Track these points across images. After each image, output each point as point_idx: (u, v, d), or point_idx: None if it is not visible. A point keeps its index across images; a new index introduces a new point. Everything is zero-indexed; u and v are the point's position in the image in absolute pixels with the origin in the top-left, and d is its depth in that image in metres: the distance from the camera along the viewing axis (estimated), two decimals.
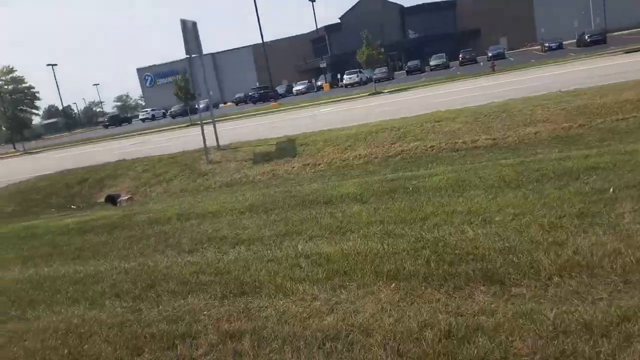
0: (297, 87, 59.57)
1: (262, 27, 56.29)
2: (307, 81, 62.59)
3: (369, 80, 47.34)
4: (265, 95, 52.96)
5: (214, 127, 14.56)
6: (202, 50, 14.44)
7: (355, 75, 50.89)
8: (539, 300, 3.30)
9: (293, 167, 11.66)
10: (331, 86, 57.84)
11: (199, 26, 14.09)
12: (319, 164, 11.52)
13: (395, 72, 59.73)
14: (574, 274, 3.53)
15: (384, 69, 51.53)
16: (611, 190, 5.00)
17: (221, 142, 15.21)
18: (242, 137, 16.47)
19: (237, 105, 60.55)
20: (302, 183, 9.74)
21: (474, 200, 5.68)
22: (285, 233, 5.88)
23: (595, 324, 2.88)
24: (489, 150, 9.55)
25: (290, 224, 6.24)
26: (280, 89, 62.60)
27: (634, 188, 4.91)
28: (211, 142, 14.47)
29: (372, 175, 9.23)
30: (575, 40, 45.61)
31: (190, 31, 13.71)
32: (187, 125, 32.12)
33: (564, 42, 45.95)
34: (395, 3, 73.17)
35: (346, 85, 51.63)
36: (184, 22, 13.35)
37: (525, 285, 3.53)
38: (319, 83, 61.19)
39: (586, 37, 41.32)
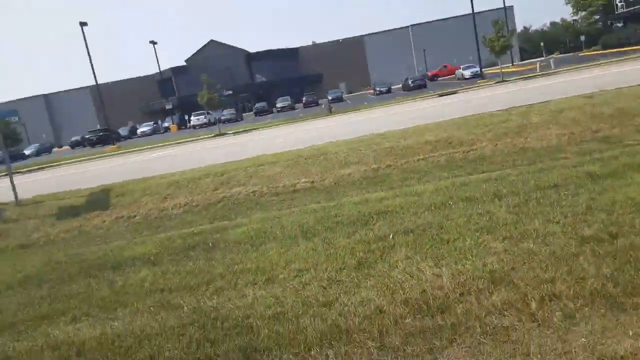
0: (142, 129, 56.49)
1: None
2: (153, 122, 59.69)
3: (219, 120, 46.88)
4: (105, 138, 48.90)
5: (11, 179, 12.53)
6: None
7: (203, 116, 49.97)
8: None
9: (104, 222, 10.36)
10: (179, 127, 55.97)
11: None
12: (135, 216, 10.42)
13: (245, 114, 60.08)
14: (333, 342, 3.24)
15: (232, 111, 51.64)
16: (391, 236, 5.01)
17: (27, 195, 13.16)
18: (53, 188, 14.47)
19: (73, 148, 54.95)
20: (107, 241, 8.62)
21: (267, 255, 5.33)
22: (47, 314, 4.88)
23: None
24: (307, 193, 9.50)
25: (58, 300, 5.24)
26: (124, 131, 58.70)
27: (411, 233, 4.97)
28: (11, 196, 12.45)
29: (186, 226, 8.51)
30: (401, 85, 50.76)
31: None
32: (5, 174, 27.79)
33: (392, 87, 50.91)
34: (241, 49, 74.50)
35: (194, 127, 50.37)
36: None
37: None
38: (165, 124, 58.79)
39: (410, 82, 46.17)
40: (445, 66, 60.67)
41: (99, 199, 11.77)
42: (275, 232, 6.25)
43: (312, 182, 10.05)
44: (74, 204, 11.80)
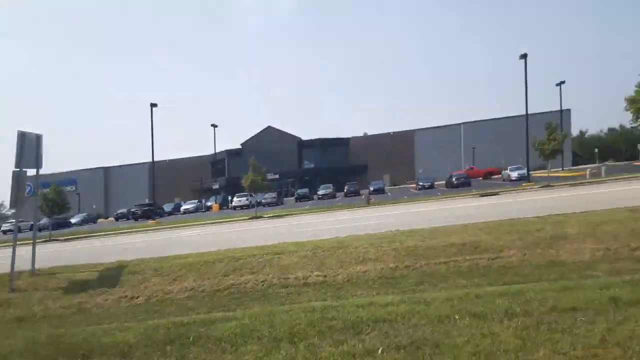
0: (186, 206, 58.11)
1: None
2: (197, 201, 61.48)
3: (259, 203, 47.61)
4: (149, 212, 50.44)
5: (33, 248, 12.65)
6: (41, 164, 12.89)
7: (245, 198, 50.95)
8: None
9: (106, 300, 10.08)
10: (221, 207, 57.14)
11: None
12: (137, 297, 10.09)
13: (287, 198, 60.88)
14: None
15: (273, 194, 52.56)
16: (379, 350, 4.37)
17: (47, 265, 13.27)
18: (73, 259, 14.56)
19: (117, 220, 56.89)
20: (100, 322, 8.26)
21: (241, 359, 4.76)
22: None
23: None
24: (317, 287, 8.94)
25: None
26: (168, 207, 60.50)
27: (402, 350, 4.31)
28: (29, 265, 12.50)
29: (183, 314, 8.07)
30: (445, 182, 50.27)
31: (30, 144, 12.35)
32: (43, 241, 28.65)
33: (436, 182, 50.54)
34: (294, 135, 77.71)
35: (235, 207, 51.27)
36: (22, 135, 11.99)
37: None
38: (208, 203, 60.27)
39: (454, 179, 45.72)
40: (471, 168, 62.24)
41: (111, 276, 11.59)
42: (263, 331, 5.68)
43: (325, 276, 9.50)
44: (86, 278, 11.68)
